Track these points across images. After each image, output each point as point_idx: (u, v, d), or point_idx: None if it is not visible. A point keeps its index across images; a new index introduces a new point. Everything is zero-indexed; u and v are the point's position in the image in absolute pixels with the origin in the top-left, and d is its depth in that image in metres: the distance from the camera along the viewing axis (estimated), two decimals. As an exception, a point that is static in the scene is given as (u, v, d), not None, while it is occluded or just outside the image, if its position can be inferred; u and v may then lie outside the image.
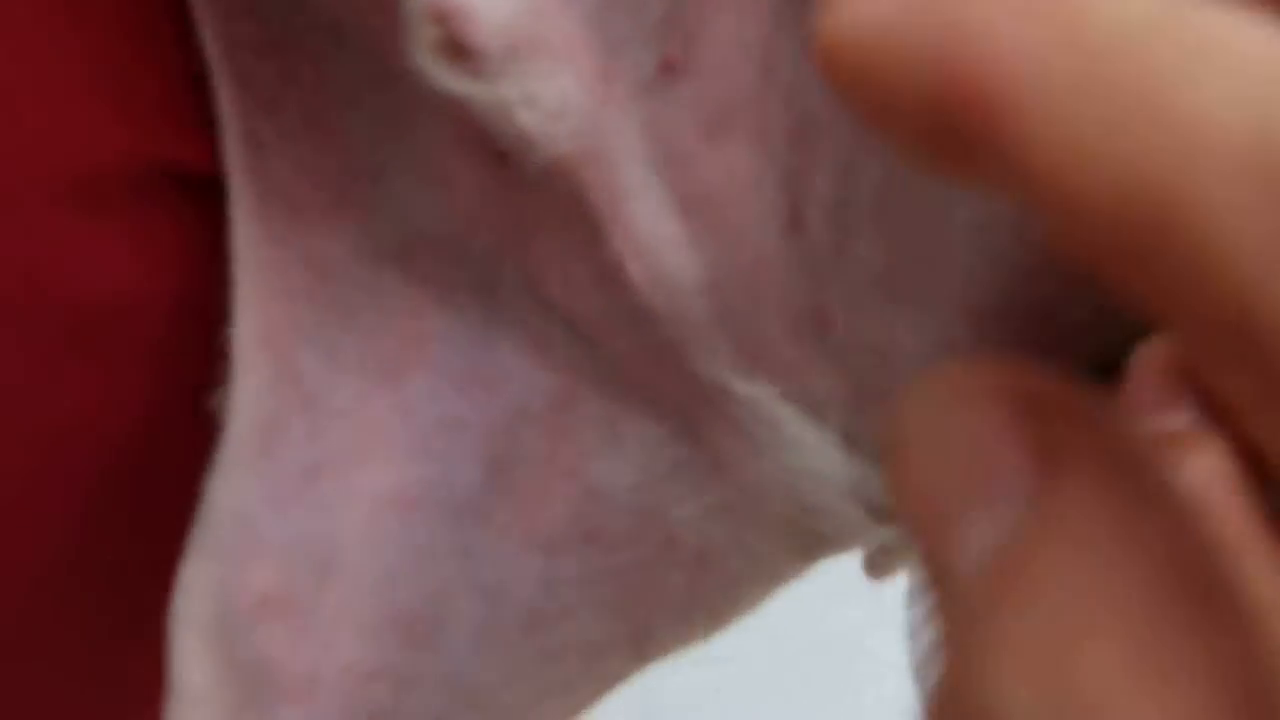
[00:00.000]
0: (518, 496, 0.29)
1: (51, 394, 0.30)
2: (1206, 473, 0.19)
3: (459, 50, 0.25)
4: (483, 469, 0.29)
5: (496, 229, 0.29)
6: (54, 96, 0.29)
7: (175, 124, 0.30)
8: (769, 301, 0.27)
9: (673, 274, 0.27)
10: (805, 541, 0.29)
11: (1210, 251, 0.13)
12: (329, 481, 0.29)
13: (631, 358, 0.29)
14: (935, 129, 0.14)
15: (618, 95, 0.27)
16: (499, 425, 0.30)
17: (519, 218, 0.28)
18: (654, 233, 0.27)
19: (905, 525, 0.16)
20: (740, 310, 0.27)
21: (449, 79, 0.25)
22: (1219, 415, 0.20)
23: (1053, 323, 0.24)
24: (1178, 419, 0.20)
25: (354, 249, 0.30)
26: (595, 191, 0.27)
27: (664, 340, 0.28)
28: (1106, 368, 0.23)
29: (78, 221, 0.30)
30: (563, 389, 0.29)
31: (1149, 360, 0.21)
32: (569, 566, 0.29)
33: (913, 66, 0.14)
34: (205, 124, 0.30)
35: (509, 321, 0.30)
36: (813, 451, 0.27)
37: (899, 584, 0.27)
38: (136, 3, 0.30)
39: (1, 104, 0.29)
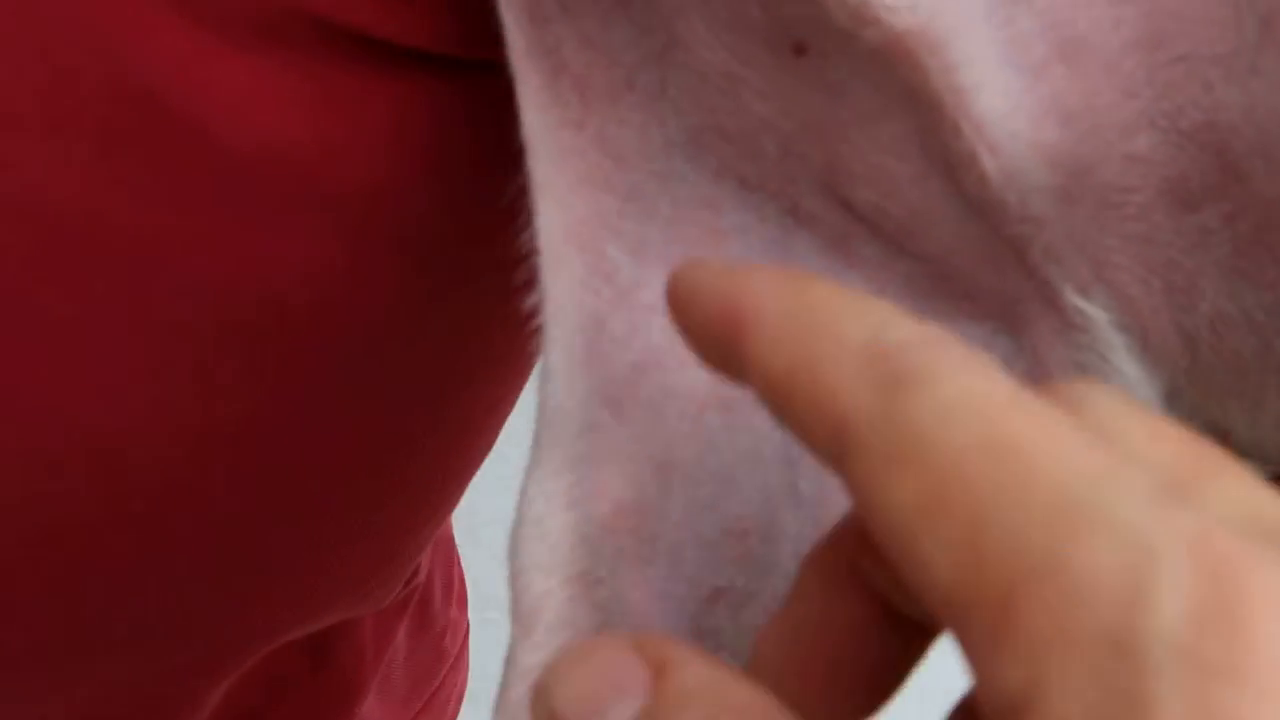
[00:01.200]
0: None
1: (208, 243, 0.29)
2: None
3: None
4: None
5: (791, 126, 0.27)
6: None
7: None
8: (1124, 234, 0.26)
9: (1025, 172, 0.25)
10: None
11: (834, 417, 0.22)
12: (654, 381, 0.28)
13: (954, 254, 0.27)
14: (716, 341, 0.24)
15: None
16: None
17: (818, 115, 0.26)
18: (1007, 127, 0.25)
19: None
20: (1092, 230, 0.26)
21: None
22: None
23: None
24: None
25: (644, 136, 0.28)
26: (936, 78, 0.25)
27: (1006, 238, 0.26)
28: None
29: (239, 60, 0.28)
30: (864, 286, 0.28)
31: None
32: None
33: (708, 301, 0.24)
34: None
35: (806, 218, 0.28)
36: (1135, 390, 0.26)
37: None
38: None
39: None
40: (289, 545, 0.35)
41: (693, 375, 0.28)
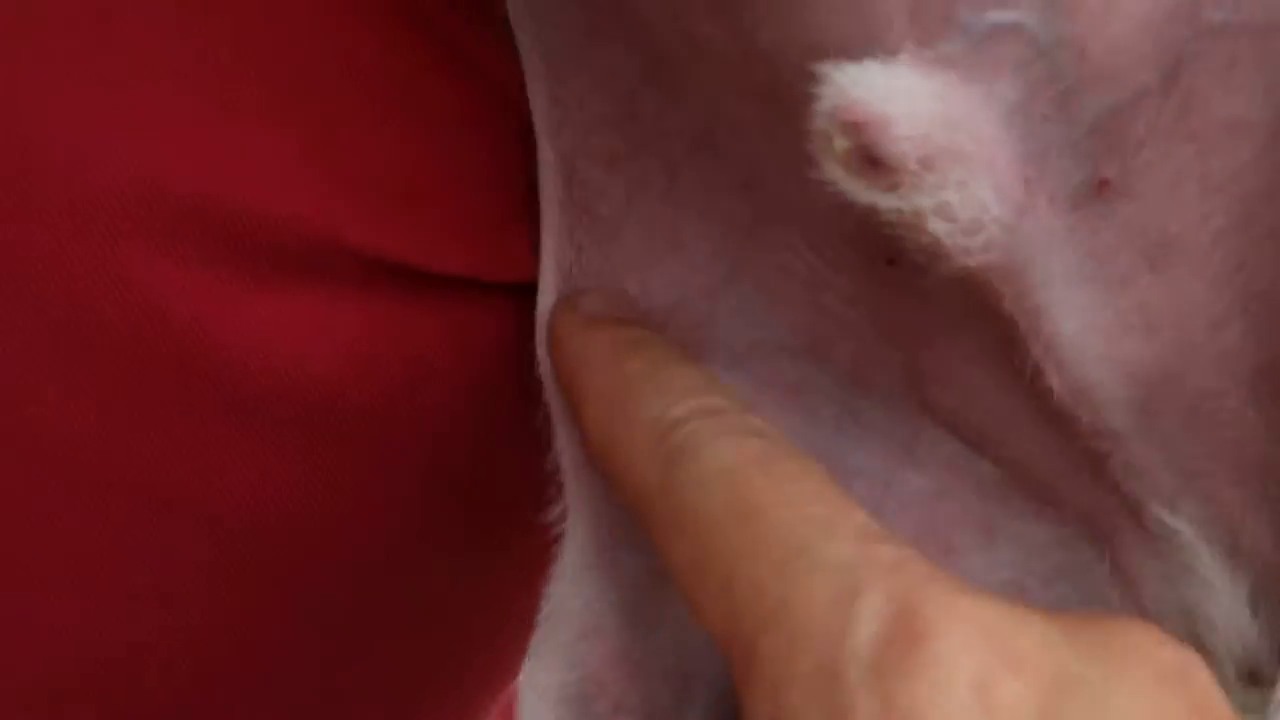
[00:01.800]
0: None
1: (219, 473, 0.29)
2: None
3: (872, 162, 0.24)
4: None
5: (870, 333, 0.28)
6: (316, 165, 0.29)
7: (433, 223, 0.30)
8: (1217, 441, 0.26)
9: (1100, 386, 0.26)
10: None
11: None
12: (674, 593, 0.29)
13: (1033, 462, 0.28)
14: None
15: (1041, 206, 0.25)
16: None
17: (903, 321, 0.27)
18: (1079, 345, 0.26)
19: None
20: (1180, 440, 0.26)
21: (858, 190, 0.24)
22: None
23: None
24: None
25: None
26: (1010, 302, 0.25)
27: (1083, 449, 0.27)
28: None
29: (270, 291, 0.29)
30: (929, 488, 0.29)
31: None
32: None
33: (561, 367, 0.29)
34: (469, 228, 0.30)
35: (868, 425, 0.29)
36: (1220, 597, 0.27)
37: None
38: (466, 111, 0.30)
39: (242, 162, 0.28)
40: None
41: None
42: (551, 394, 0.30)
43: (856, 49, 0.25)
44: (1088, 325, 0.26)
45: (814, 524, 0.24)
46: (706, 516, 0.24)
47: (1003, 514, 0.29)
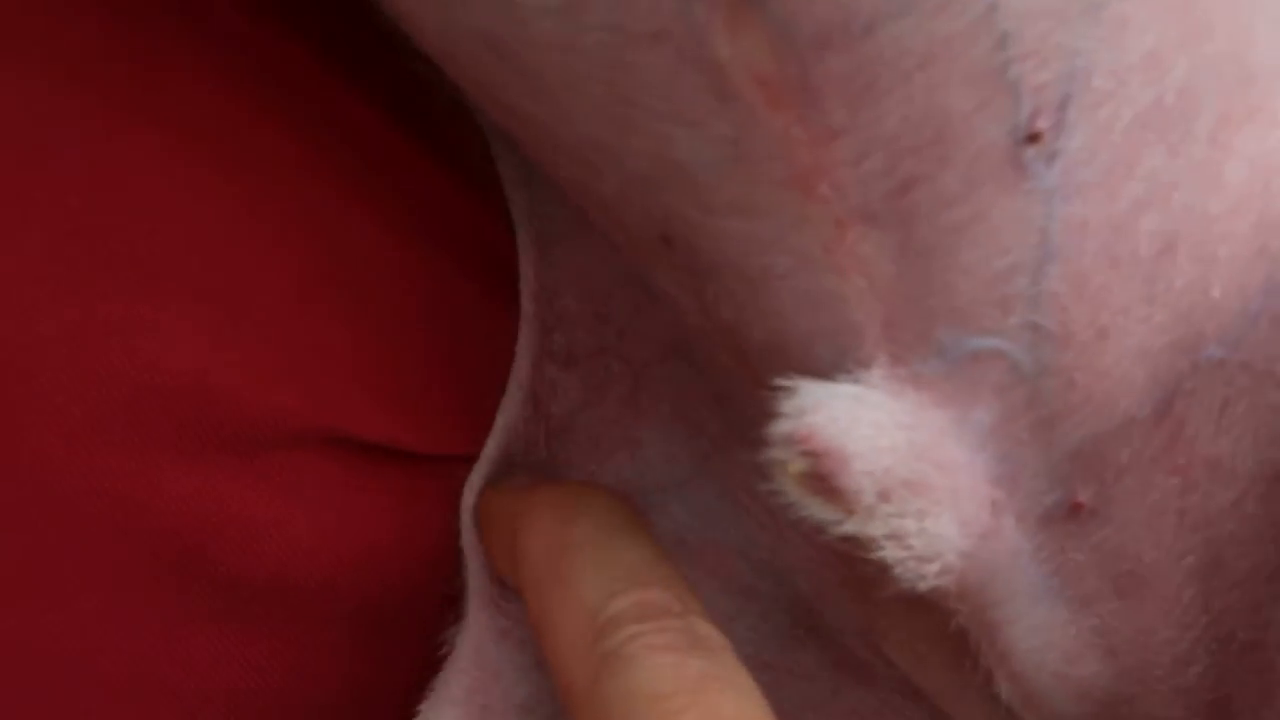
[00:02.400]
0: None
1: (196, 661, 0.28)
2: None
3: (826, 488, 0.22)
4: None
5: (830, 577, 0.27)
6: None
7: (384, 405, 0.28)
8: None
9: (1052, 700, 0.25)
10: None
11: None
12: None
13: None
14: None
15: (1007, 527, 0.24)
16: (785, 711, 0.26)
17: (863, 585, 0.26)
18: (1034, 660, 0.24)
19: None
20: None
21: (811, 509, 0.22)
22: None
23: None
24: None
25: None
26: (965, 616, 0.24)
27: None
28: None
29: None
30: (877, 704, 0.28)
31: None
32: None
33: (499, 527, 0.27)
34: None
35: (823, 639, 0.28)
36: None
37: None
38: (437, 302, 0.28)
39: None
40: None
41: None
42: (471, 568, 0.28)
43: (823, 352, 0.23)
44: (1045, 642, 0.25)
45: None
46: None
47: None
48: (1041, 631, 0.25)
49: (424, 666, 0.30)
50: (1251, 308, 0.24)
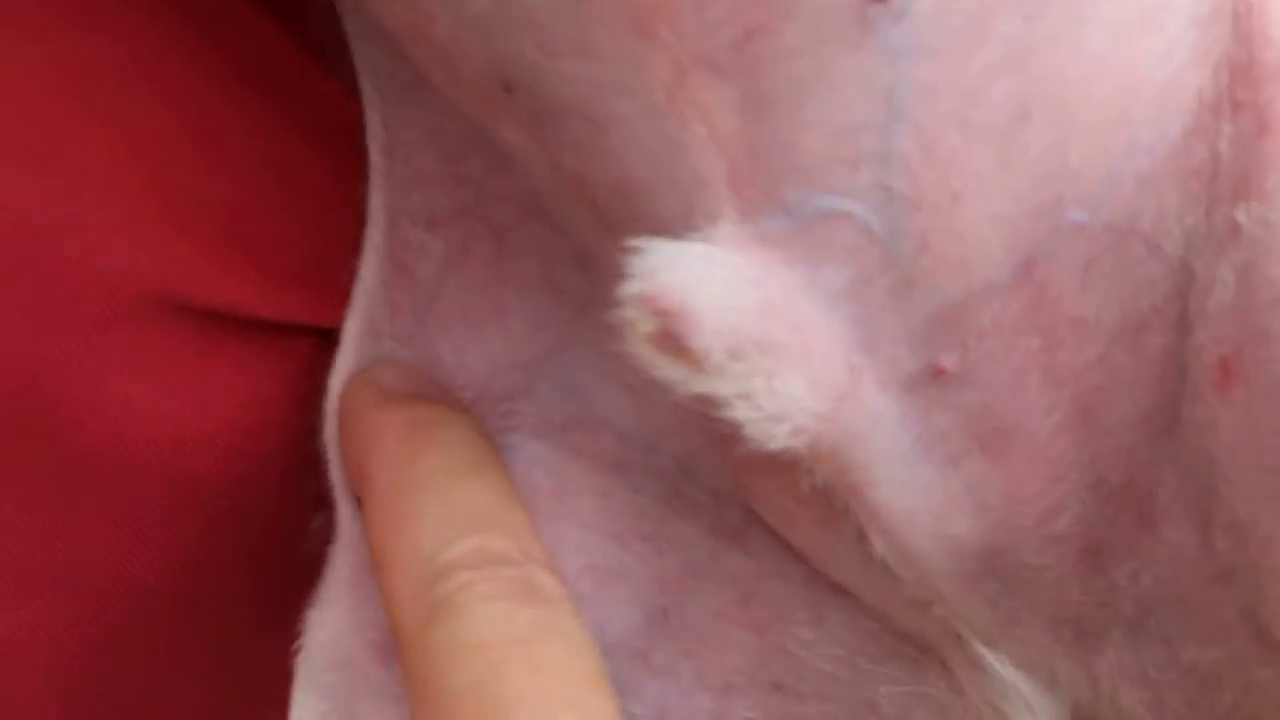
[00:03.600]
0: (687, 642, 0.28)
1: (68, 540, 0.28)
2: None
3: (676, 347, 0.22)
4: (644, 614, 0.28)
5: (699, 440, 0.27)
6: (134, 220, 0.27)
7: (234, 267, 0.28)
8: (1035, 599, 0.26)
9: (926, 558, 0.25)
10: None
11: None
12: None
13: (860, 591, 0.27)
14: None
15: (867, 391, 0.24)
16: (668, 579, 0.28)
17: (731, 446, 0.25)
18: (905, 519, 0.25)
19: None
20: (1000, 597, 0.26)
21: (662, 368, 0.22)
22: None
23: None
24: None
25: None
26: (831, 476, 0.24)
27: (908, 595, 0.26)
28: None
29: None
30: (755, 569, 0.28)
31: None
32: (745, 706, 0.28)
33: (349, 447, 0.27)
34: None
35: (697, 505, 0.28)
36: (1040, 709, 0.26)
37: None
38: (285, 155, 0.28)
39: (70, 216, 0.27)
40: None
41: None
42: (334, 462, 0.28)
43: (670, 204, 0.23)
44: (915, 503, 0.25)
45: None
46: (453, 692, 0.23)
47: (834, 603, 0.28)
48: (910, 492, 0.25)
49: (281, 559, 0.30)
50: (1113, 172, 0.24)
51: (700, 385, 0.23)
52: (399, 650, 0.24)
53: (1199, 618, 0.25)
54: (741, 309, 0.23)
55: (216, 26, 0.27)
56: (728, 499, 0.28)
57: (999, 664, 0.26)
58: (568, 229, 0.27)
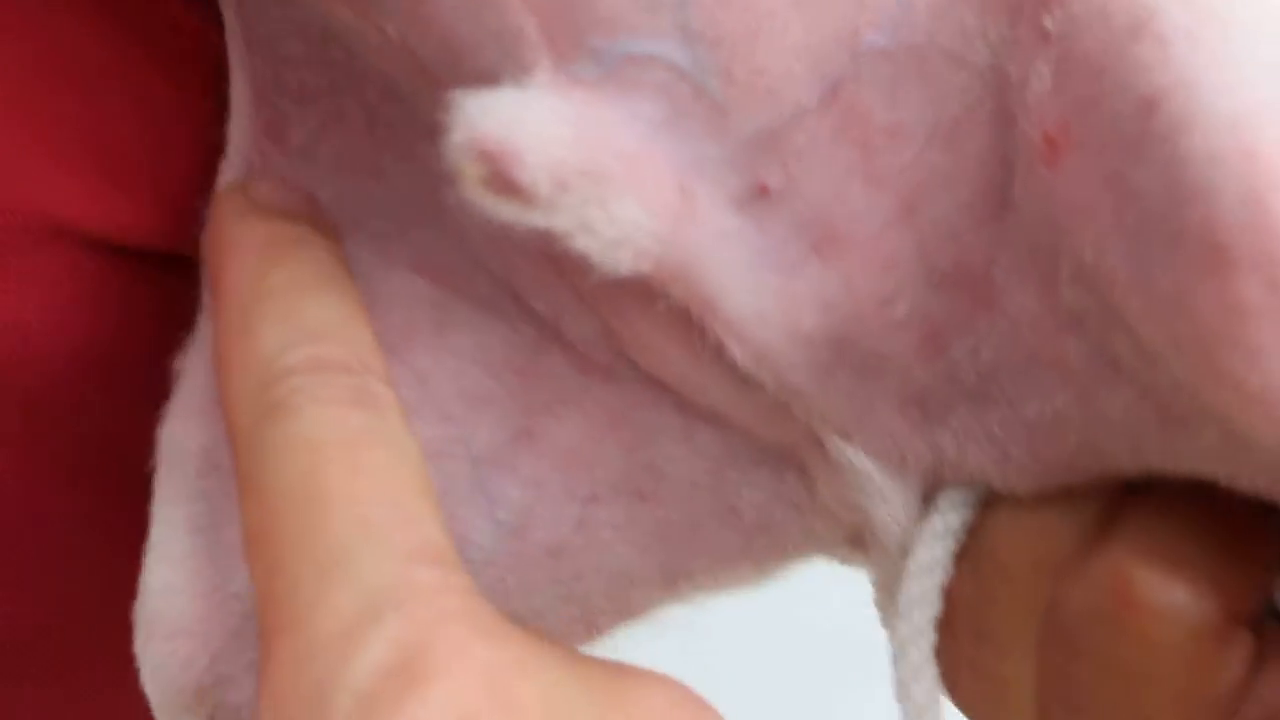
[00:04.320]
0: (554, 456, 0.30)
1: None
2: None
3: (505, 186, 0.24)
4: (511, 434, 0.30)
5: (566, 293, 0.29)
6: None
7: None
8: (886, 386, 0.27)
9: (781, 354, 0.27)
10: (862, 536, 0.30)
11: None
12: None
13: (725, 410, 0.29)
14: None
15: (701, 211, 0.26)
16: (537, 405, 0.30)
17: (593, 288, 0.28)
18: (757, 322, 0.27)
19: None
20: (854, 388, 0.27)
21: (500, 209, 0.25)
22: None
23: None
24: None
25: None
26: (682, 293, 0.27)
27: (769, 401, 0.28)
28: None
29: None
30: (625, 399, 0.30)
31: None
32: (610, 514, 0.30)
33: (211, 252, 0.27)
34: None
35: (567, 345, 0.30)
36: (891, 502, 0.28)
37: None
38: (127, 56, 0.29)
39: None
40: None
41: None
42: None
43: (491, 58, 0.25)
44: (764, 307, 0.27)
45: (369, 531, 0.23)
46: (276, 489, 0.23)
47: (703, 425, 0.30)
48: (758, 298, 0.27)
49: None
50: (904, -1, 0.25)
51: (538, 219, 0.25)
52: (233, 450, 0.25)
53: (1043, 372, 0.26)
54: (561, 141, 0.25)
55: None
56: (599, 343, 0.30)
57: (854, 457, 0.28)
58: (415, 103, 0.29)
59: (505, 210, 0.25)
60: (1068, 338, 0.26)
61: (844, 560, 0.32)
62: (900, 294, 0.27)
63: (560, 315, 0.29)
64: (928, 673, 0.29)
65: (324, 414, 0.24)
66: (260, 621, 0.23)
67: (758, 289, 0.27)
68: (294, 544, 0.23)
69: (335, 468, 0.23)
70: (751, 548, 0.31)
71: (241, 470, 0.24)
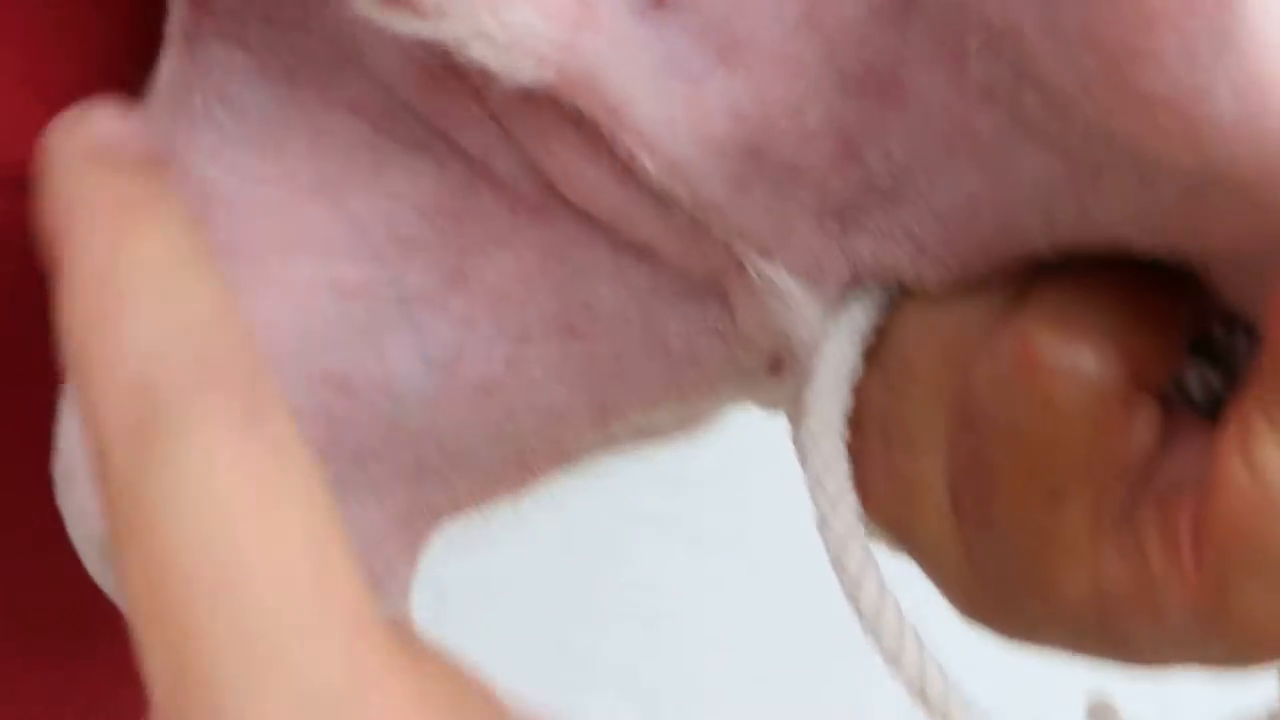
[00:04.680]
0: (486, 296, 0.30)
1: None
2: None
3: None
4: (443, 275, 0.30)
5: (489, 137, 0.28)
6: None
7: None
8: (802, 199, 0.27)
9: (693, 164, 0.27)
10: (782, 360, 0.30)
11: None
12: (242, 268, 0.29)
13: (659, 244, 0.29)
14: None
15: (601, 19, 0.25)
16: (469, 247, 0.30)
17: (506, 127, 0.27)
18: (667, 131, 0.26)
19: None
20: (771, 203, 0.27)
21: (394, 21, 0.24)
22: None
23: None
24: None
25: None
26: (587, 104, 0.26)
27: (688, 222, 0.28)
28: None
29: None
30: (561, 240, 0.29)
31: None
32: (541, 351, 0.30)
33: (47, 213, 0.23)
34: None
35: (498, 185, 0.29)
36: (806, 318, 0.28)
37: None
38: None
39: None
40: None
41: (304, 265, 0.29)
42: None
43: None
44: (673, 114, 0.26)
45: (301, 616, 0.19)
46: (177, 563, 0.20)
47: (632, 262, 0.29)
48: (666, 106, 0.26)
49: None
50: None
51: (432, 30, 0.24)
52: (100, 479, 0.21)
53: (956, 156, 0.26)
54: None
55: None
56: (527, 179, 0.29)
57: (774, 274, 0.28)
58: None
59: (398, 23, 0.24)
60: (978, 113, 0.25)
61: (768, 402, 0.32)
62: (811, 101, 0.26)
63: (488, 152, 0.29)
64: (839, 468, 0.29)
65: (219, 446, 0.20)
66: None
67: (665, 96, 0.26)
68: (208, 635, 0.19)
69: (246, 535, 0.20)
70: (680, 381, 0.30)
71: (119, 516, 0.20)
